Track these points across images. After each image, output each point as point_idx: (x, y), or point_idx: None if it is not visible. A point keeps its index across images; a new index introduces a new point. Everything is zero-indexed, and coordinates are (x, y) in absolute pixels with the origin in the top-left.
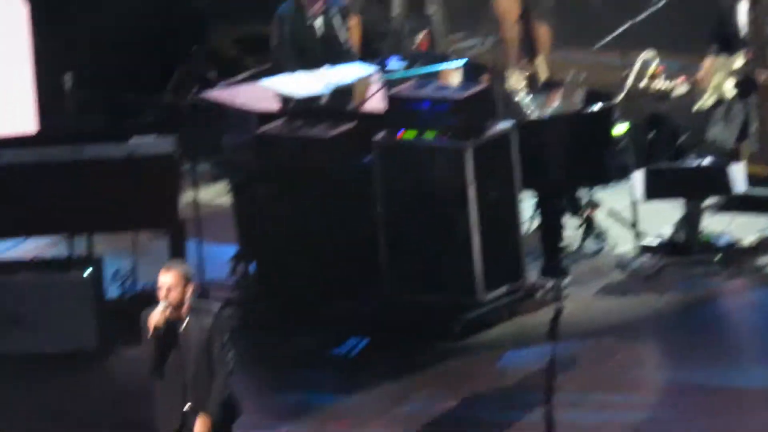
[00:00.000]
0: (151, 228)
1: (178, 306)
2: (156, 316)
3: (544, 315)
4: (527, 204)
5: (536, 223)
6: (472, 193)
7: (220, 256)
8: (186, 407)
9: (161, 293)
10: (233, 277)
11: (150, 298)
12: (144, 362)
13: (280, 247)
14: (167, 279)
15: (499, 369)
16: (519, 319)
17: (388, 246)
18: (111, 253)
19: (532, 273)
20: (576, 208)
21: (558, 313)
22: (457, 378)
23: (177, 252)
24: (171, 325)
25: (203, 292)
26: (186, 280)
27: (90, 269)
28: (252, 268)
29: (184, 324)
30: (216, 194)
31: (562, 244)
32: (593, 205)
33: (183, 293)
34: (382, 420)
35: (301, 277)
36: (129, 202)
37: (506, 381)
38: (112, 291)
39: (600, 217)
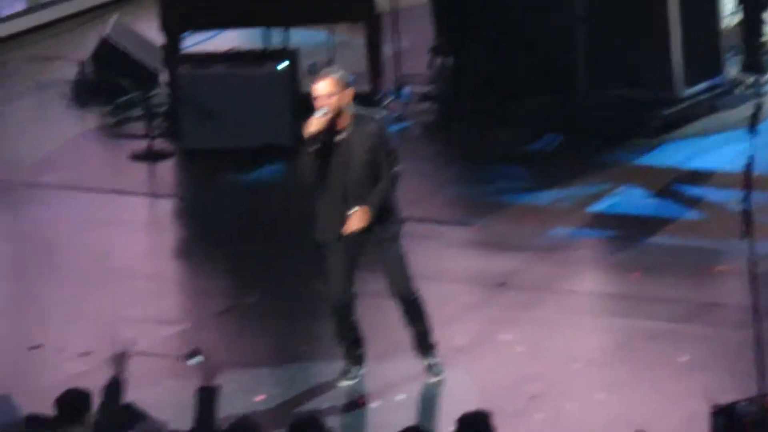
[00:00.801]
0: (347, 21)
1: (337, 113)
2: (314, 122)
3: (744, 111)
4: None
5: (737, 18)
6: None
7: (417, 49)
8: (349, 213)
9: (319, 101)
10: (430, 71)
11: None
12: (304, 171)
13: (477, 41)
14: (323, 86)
15: (695, 166)
16: (718, 115)
17: (586, 41)
18: (307, 46)
19: (732, 69)
20: None
21: (758, 109)
22: (653, 175)
23: (373, 45)
24: (331, 132)
25: (399, 85)
26: (343, 85)
27: (286, 62)
28: (449, 62)
29: (346, 132)
30: None
31: (763, 39)
32: None
33: (341, 99)
34: (574, 217)
35: (498, 71)
36: None
37: (703, 178)
38: (307, 85)
39: None
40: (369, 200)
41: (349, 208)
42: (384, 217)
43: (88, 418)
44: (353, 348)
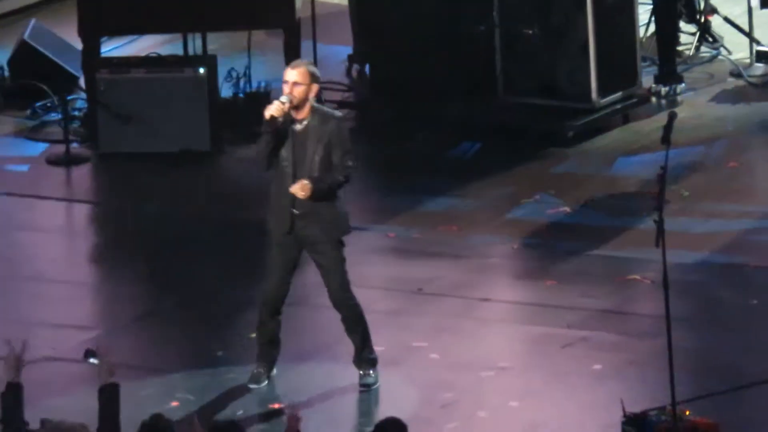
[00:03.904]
0: (266, 27)
1: (300, 104)
2: (274, 107)
3: (658, 121)
4: (643, 9)
5: (652, 28)
6: None
7: (334, 56)
8: (295, 211)
9: (286, 88)
10: (347, 78)
11: (263, 98)
12: (258, 156)
13: (395, 48)
14: (293, 74)
15: (610, 175)
16: (632, 125)
17: (503, 49)
18: (225, 51)
19: (647, 79)
20: (692, 14)
21: (671, 120)
22: (569, 184)
23: (292, 51)
24: (290, 123)
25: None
26: (312, 78)
27: (204, 68)
28: (366, 69)
29: (304, 124)
30: None
31: (678, 49)
32: (710, 10)
33: (307, 91)
34: (491, 225)
35: (416, 79)
36: (244, 1)
37: (617, 187)
38: (226, 90)
39: (716, 23)
40: (318, 178)
41: (297, 205)
42: (330, 219)
43: None
44: (269, 348)
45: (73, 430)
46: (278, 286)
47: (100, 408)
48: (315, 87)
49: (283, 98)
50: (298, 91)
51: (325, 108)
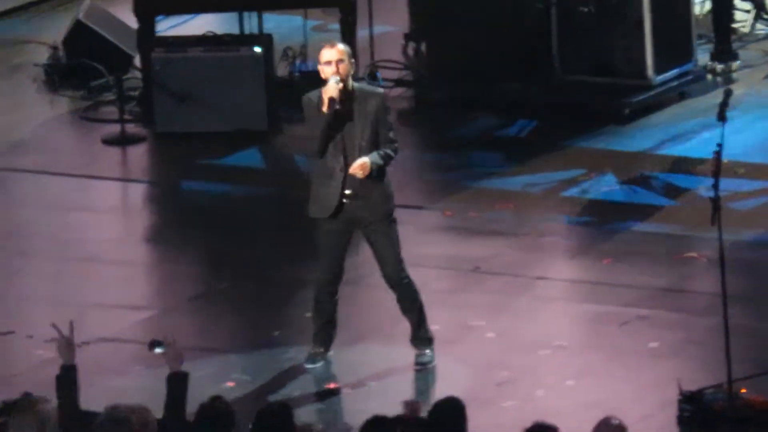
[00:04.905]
0: (322, 5)
1: (345, 81)
2: (332, 88)
3: (713, 98)
4: None
5: (707, 5)
6: None
7: (390, 35)
8: (348, 192)
9: (330, 68)
10: (404, 56)
11: (319, 77)
12: (309, 142)
13: (451, 27)
14: (334, 53)
15: (666, 152)
16: (688, 102)
17: (559, 28)
18: (282, 30)
19: (703, 56)
20: None
21: (727, 97)
22: (625, 161)
23: (348, 30)
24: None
25: (371, 73)
26: (350, 54)
27: (260, 47)
28: (423, 47)
29: (347, 104)
30: None
31: (733, 26)
32: None
33: (349, 66)
34: (548, 203)
35: (472, 57)
36: None
37: (673, 165)
38: (282, 69)
39: None
40: (371, 155)
41: (347, 185)
42: (381, 195)
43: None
44: (326, 329)
45: (133, 412)
46: (332, 269)
47: (168, 395)
48: (353, 63)
49: (334, 78)
50: (343, 68)
51: (365, 85)
